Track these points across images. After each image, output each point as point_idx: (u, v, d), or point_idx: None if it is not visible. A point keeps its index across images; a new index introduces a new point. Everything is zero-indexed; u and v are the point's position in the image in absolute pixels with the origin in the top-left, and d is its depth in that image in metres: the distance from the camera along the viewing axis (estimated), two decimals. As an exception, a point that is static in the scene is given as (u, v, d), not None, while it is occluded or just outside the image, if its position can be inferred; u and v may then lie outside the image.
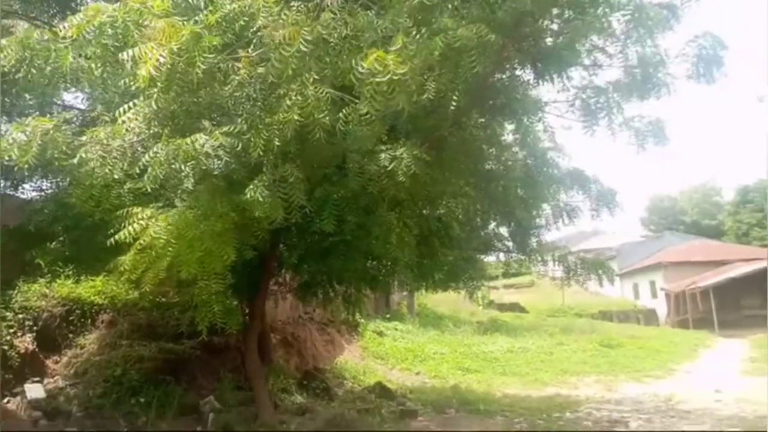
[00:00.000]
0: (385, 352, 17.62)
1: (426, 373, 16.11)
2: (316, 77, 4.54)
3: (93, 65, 4.78)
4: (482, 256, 12.31)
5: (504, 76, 7.48)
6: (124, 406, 9.03)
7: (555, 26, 7.50)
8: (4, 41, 5.27)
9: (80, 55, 4.79)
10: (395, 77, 3.94)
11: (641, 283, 42.80)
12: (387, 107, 4.27)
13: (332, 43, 4.46)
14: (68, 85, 7.19)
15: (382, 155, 5.30)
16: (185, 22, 4.49)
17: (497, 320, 28.39)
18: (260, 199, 4.79)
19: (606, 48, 7.63)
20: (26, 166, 4.94)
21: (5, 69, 5.37)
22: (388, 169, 5.24)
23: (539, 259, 10.11)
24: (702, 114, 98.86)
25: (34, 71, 5.42)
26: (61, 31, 4.74)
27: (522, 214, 8.57)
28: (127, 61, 4.35)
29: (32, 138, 4.82)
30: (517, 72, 8.03)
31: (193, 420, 9.12)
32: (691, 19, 7.16)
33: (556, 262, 10.25)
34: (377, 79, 4.00)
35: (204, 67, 4.33)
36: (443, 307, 28.73)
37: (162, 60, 4.16)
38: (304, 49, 4.15)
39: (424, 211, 9.02)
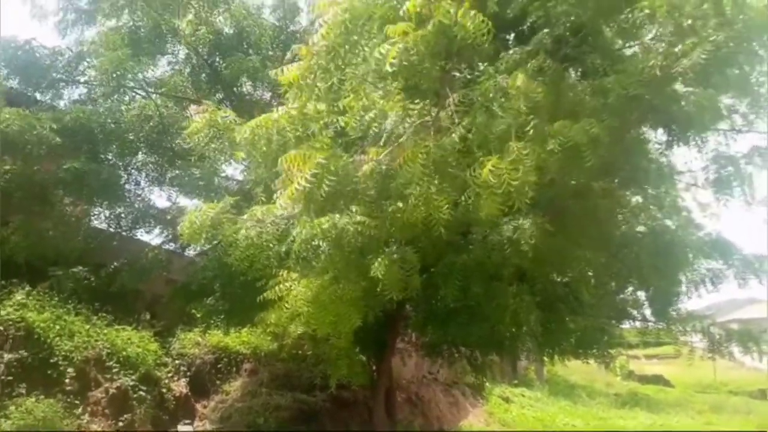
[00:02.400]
0: (512, 419, 17.08)
1: (555, 446, 15.36)
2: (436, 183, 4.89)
3: (259, 157, 5.59)
4: (617, 324, 11.77)
5: (630, 141, 7.38)
6: (263, 451, 9.72)
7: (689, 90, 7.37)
8: (196, 116, 6.37)
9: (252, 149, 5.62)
10: (510, 188, 4.14)
11: (813, 359, 37.34)
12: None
13: (448, 158, 4.76)
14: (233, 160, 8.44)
15: (505, 226, 5.55)
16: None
17: (637, 393, 26.23)
18: (380, 276, 5.22)
19: (746, 112, 7.33)
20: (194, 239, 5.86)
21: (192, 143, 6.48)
22: (512, 239, 5.46)
23: (680, 329, 9.47)
24: None
25: (214, 146, 6.50)
26: (239, 130, 5.66)
27: (657, 282, 8.20)
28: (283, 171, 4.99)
29: (204, 222, 5.74)
30: (649, 136, 7.93)
31: (324, 470, 9.57)
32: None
33: (699, 333, 9.55)
34: (493, 189, 4.23)
35: (328, 189, 4.84)
36: (576, 375, 27.18)
37: (299, 188, 4.74)
38: (423, 170, 4.53)
39: (553, 277, 8.94)
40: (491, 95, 4.79)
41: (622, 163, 7.20)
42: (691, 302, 10.00)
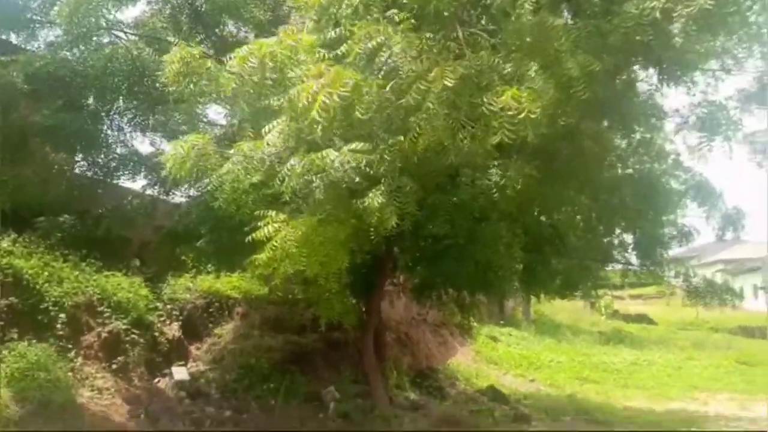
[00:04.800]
0: (498, 357, 17.58)
1: (541, 381, 15.88)
2: (446, 111, 4.84)
3: (251, 89, 5.44)
4: (602, 266, 11.98)
5: (621, 82, 7.30)
6: (255, 390, 9.99)
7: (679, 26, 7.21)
8: (167, 57, 6.16)
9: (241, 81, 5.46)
10: (532, 114, 4.15)
11: (791, 297, 38.54)
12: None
13: (468, 83, 4.71)
14: (217, 102, 8.22)
15: (493, 170, 5.52)
16: (327, 55, 5.02)
17: (621, 331, 27.01)
18: (377, 205, 5.20)
19: (736, 52, 7.21)
20: (181, 176, 5.76)
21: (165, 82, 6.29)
22: (499, 183, 5.44)
23: (662, 273, 9.65)
24: None
25: (192, 87, 6.32)
26: (226, 61, 5.48)
27: (643, 225, 8.30)
28: (293, 96, 4.87)
29: (188, 153, 5.62)
30: (639, 75, 7.81)
31: (315, 407, 9.86)
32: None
33: (680, 279, 9.77)
34: (511, 113, 4.22)
35: (362, 116, 4.76)
36: (562, 315, 27.87)
37: (327, 102, 4.62)
38: (449, 84, 4.46)
39: (540, 219, 9.01)
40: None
41: (612, 104, 7.14)
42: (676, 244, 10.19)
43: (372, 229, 6.02)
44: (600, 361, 19.01)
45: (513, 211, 6.45)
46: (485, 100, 4.35)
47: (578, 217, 9.77)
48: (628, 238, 10.18)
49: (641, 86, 7.75)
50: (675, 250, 10.66)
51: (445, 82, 4.40)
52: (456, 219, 6.62)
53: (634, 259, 10.18)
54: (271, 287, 11.66)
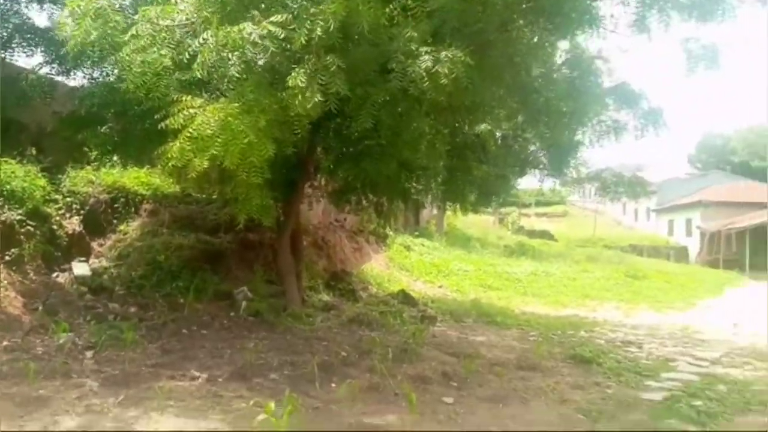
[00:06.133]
0: (410, 264, 18.11)
1: (448, 287, 16.59)
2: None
3: None
4: (517, 177, 12.29)
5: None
6: (163, 288, 9.64)
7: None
8: None
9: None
10: None
11: (677, 220, 42.23)
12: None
13: None
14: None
15: (426, 57, 5.28)
16: None
17: (525, 245, 28.63)
18: (300, 84, 4.88)
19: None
20: (80, 41, 5.08)
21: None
22: (431, 71, 5.23)
23: (575, 176, 10.01)
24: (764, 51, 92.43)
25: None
26: None
27: (563, 130, 8.43)
28: None
29: (87, 12, 4.95)
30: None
31: (226, 306, 9.73)
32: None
33: (593, 181, 10.17)
34: None
35: None
36: (472, 229, 29.07)
37: None
38: None
39: (461, 124, 8.96)
40: None
41: (548, 6, 6.99)
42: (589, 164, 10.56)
43: (296, 117, 5.70)
44: (503, 271, 20.08)
45: (443, 110, 6.30)
46: None
47: (500, 126, 9.86)
48: (543, 152, 10.45)
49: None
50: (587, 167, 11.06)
51: None
52: (382, 115, 6.39)
53: (549, 166, 10.38)
54: (182, 184, 11.10)
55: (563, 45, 8.08)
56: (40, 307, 7.96)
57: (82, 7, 5.04)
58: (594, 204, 44.31)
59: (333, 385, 6.13)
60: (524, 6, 6.04)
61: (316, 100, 4.94)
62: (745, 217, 34.76)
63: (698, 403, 6.28)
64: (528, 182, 14.65)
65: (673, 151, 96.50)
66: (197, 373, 6.17)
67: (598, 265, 24.05)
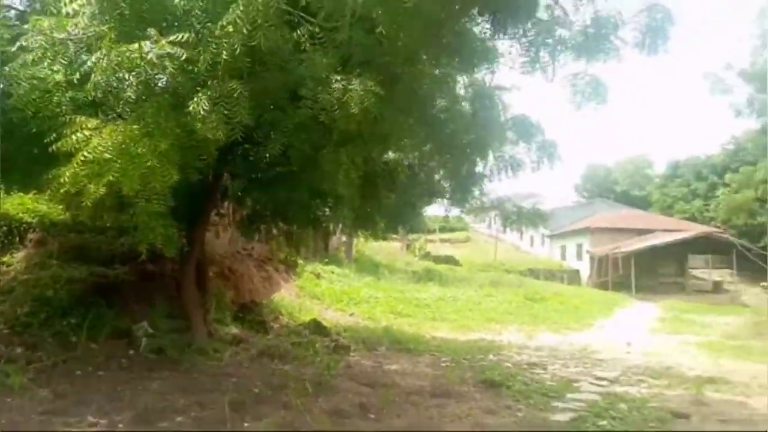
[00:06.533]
0: (321, 292, 17.90)
1: (360, 315, 16.53)
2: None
3: None
4: (424, 206, 12.53)
5: (459, 23, 7.51)
6: (53, 326, 8.83)
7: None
8: None
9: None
10: None
11: (569, 245, 44.89)
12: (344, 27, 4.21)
13: None
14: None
15: (336, 85, 5.30)
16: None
17: (431, 270, 29.22)
18: (202, 112, 4.71)
19: (563, 4, 7.79)
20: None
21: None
22: (342, 99, 5.25)
23: (478, 204, 10.36)
24: (644, 86, 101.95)
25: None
26: None
27: (465, 161, 8.74)
28: None
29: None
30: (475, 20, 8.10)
31: (125, 343, 9.07)
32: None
33: (496, 212, 10.57)
34: None
35: None
36: (381, 256, 29.31)
37: None
38: None
39: (372, 154, 9.07)
40: None
41: (450, 42, 7.29)
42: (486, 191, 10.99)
43: (200, 143, 5.49)
44: (413, 297, 20.37)
45: (353, 139, 6.32)
46: None
47: (408, 156, 10.06)
48: (447, 183, 10.77)
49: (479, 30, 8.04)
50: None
51: None
52: (293, 141, 6.31)
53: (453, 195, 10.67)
54: (74, 212, 10.33)
55: (465, 78, 8.39)
56: None
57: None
58: (494, 230, 46.19)
59: (246, 424, 5.85)
60: (427, 43, 6.23)
61: (221, 127, 4.78)
62: (630, 242, 37.70)
63: (603, 422, 6.61)
64: (433, 209, 15.14)
65: (561, 179, 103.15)
66: (94, 419, 5.67)
67: (500, 289, 25.00)
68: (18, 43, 4.78)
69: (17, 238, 10.49)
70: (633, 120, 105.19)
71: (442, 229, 51.06)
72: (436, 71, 7.12)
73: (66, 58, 4.95)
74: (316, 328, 12.47)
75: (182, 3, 4.59)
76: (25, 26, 4.90)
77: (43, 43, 4.75)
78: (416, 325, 15.92)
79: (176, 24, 4.90)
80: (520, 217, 10.05)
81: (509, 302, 21.99)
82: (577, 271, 41.00)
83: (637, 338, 15.30)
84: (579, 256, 42.73)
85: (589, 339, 15.33)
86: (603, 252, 38.20)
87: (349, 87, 5.30)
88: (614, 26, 6.77)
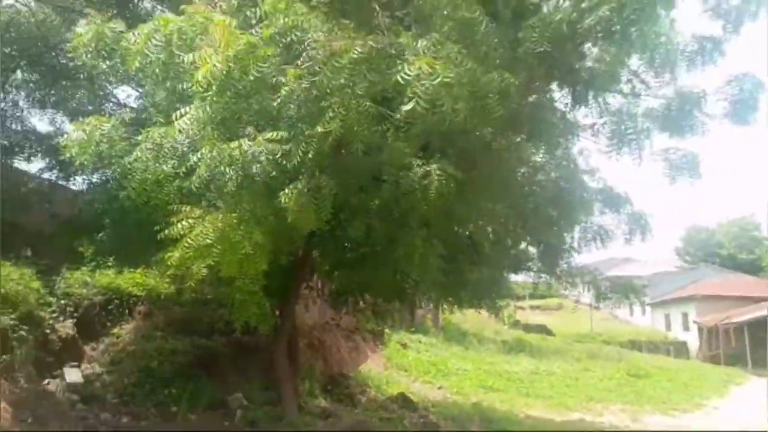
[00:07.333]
0: (408, 363, 17.72)
1: (448, 388, 16.14)
2: (360, 93, 4.81)
3: (157, 69, 5.13)
4: (510, 276, 12.33)
5: (537, 98, 7.62)
6: (156, 396, 9.39)
7: (595, 50, 7.64)
8: (81, 29, 5.69)
9: (147, 59, 5.14)
10: (445, 79, 4.18)
11: (673, 314, 41.88)
12: (427, 120, 4.46)
13: (381, 54, 4.71)
14: (127, 83, 7.67)
15: (416, 170, 5.53)
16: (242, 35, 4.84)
17: (523, 340, 28.16)
18: (294, 207, 5.05)
19: (644, 77, 7.74)
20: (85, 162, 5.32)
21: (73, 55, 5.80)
22: (422, 183, 5.45)
23: (569, 281, 10.08)
24: (743, 147, 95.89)
25: (102, 64, 5.87)
26: (132, 37, 5.12)
27: (552, 234, 8.63)
28: (189, 64, 4.67)
29: (91, 137, 5.20)
30: (555, 94, 8.20)
31: (221, 414, 9.43)
32: (732, 53, 7.22)
33: (587, 286, 10.23)
34: (426, 82, 4.24)
35: (257, 75, 4.64)
36: (468, 323, 28.66)
37: (218, 66, 4.48)
38: (356, 56, 4.40)
39: (455, 229, 9.16)
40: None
41: (528, 118, 7.41)
42: (576, 260, 10.69)
43: (291, 230, 5.84)
44: (503, 369, 19.65)
45: (433, 217, 6.49)
46: (399, 68, 4.38)
47: (489, 228, 10.07)
48: (534, 248, 10.59)
49: (559, 105, 8.13)
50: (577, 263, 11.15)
51: (352, 54, 4.34)
52: (375, 223, 6.57)
53: (541, 268, 10.47)
54: (179, 288, 11.10)
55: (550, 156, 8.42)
56: (29, 419, 7.71)
57: (87, 131, 5.32)
58: (589, 297, 43.97)
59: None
60: (505, 127, 6.39)
61: (311, 217, 5.11)
62: (741, 311, 34.55)
63: None
64: (521, 275, 14.71)
65: (659, 244, 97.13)
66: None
67: (599, 363, 23.56)
68: (133, 155, 5.36)
69: (127, 311, 11.32)
70: (733, 179, 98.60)
71: (532, 296, 49.29)
72: (514, 152, 7.21)
73: (175, 156, 5.52)
74: (404, 402, 12.33)
75: (276, 105, 5.03)
76: (138, 137, 5.50)
77: (153, 149, 5.34)
78: (508, 402, 15.27)
79: (271, 122, 5.36)
80: (615, 291, 9.65)
81: (610, 378, 20.61)
82: (685, 343, 37.94)
83: (755, 423, 13.79)
84: (685, 327, 39.66)
85: (701, 422, 14.03)
86: (712, 322, 35.24)
87: (428, 170, 5.52)
88: (696, 101, 6.60)
